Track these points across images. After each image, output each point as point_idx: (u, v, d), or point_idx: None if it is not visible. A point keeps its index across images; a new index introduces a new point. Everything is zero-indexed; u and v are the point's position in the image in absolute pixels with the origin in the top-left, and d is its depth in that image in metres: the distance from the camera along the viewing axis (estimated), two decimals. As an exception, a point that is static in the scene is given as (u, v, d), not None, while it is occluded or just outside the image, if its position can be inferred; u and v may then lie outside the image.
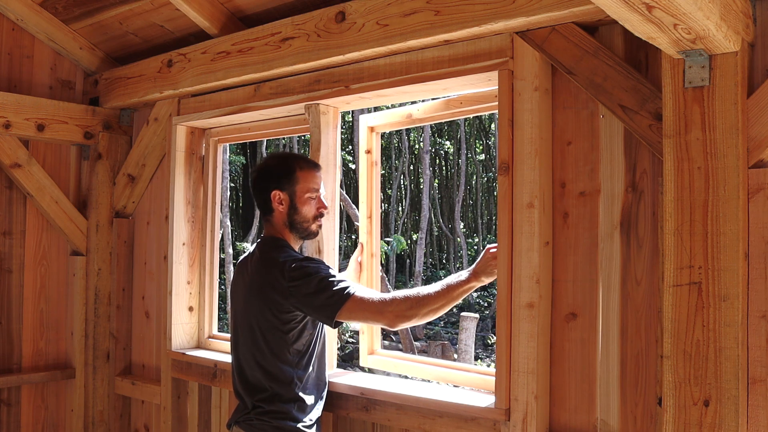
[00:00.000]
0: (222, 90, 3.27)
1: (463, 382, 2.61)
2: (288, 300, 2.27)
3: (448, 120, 2.84)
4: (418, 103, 2.89)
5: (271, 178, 2.40)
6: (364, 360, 2.94)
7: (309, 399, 2.40)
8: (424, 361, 2.80)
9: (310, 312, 2.29)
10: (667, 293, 1.83)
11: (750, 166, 1.79)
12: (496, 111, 2.38)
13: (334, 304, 2.22)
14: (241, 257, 2.59)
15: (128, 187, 3.78)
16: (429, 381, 2.76)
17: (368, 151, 2.99)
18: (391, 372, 2.93)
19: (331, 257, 2.86)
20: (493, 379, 2.46)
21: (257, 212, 17.51)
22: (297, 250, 2.47)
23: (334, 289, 2.23)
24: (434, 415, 2.43)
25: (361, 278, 2.92)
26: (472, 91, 2.56)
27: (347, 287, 2.24)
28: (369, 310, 2.22)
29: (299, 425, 2.35)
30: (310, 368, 2.42)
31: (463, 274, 2.24)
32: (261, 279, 2.34)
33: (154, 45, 3.56)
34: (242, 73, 3.01)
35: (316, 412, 2.44)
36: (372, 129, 2.97)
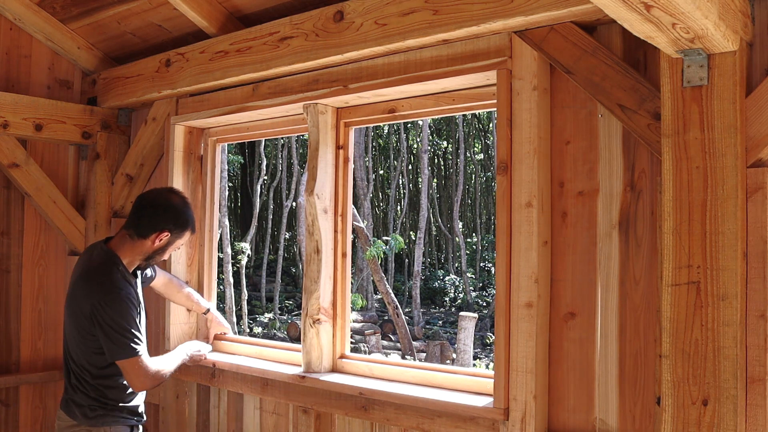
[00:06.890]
0: (220, 90, 3.27)
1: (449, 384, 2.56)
2: (95, 315, 2.46)
3: (436, 117, 2.77)
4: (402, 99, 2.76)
5: (171, 219, 2.60)
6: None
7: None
8: (398, 363, 2.76)
9: (104, 338, 2.47)
10: (666, 293, 1.83)
11: (748, 165, 1.80)
12: (492, 109, 2.36)
13: (124, 352, 2.46)
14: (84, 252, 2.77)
15: (126, 187, 3.77)
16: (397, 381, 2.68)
17: (340, 147, 2.94)
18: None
19: (328, 257, 2.86)
20: (470, 379, 2.48)
21: (256, 212, 17.49)
22: (125, 265, 2.63)
23: (132, 340, 2.47)
24: (433, 414, 2.43)
25: (336, 278, 2.90)
26: (467, 88, 2.54)
27: (139, 347, 2.49)
28: (140, 376, 2.51)
29: None
30: None
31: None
32: (81, 289, 2.53)
33: (152, 44, 3.56)
34: (240, 73, 3.01)
35: None
36: (346, 124, 2.93)
